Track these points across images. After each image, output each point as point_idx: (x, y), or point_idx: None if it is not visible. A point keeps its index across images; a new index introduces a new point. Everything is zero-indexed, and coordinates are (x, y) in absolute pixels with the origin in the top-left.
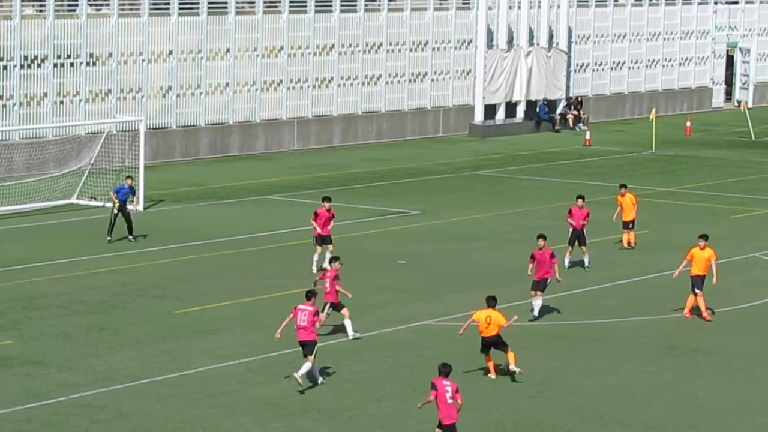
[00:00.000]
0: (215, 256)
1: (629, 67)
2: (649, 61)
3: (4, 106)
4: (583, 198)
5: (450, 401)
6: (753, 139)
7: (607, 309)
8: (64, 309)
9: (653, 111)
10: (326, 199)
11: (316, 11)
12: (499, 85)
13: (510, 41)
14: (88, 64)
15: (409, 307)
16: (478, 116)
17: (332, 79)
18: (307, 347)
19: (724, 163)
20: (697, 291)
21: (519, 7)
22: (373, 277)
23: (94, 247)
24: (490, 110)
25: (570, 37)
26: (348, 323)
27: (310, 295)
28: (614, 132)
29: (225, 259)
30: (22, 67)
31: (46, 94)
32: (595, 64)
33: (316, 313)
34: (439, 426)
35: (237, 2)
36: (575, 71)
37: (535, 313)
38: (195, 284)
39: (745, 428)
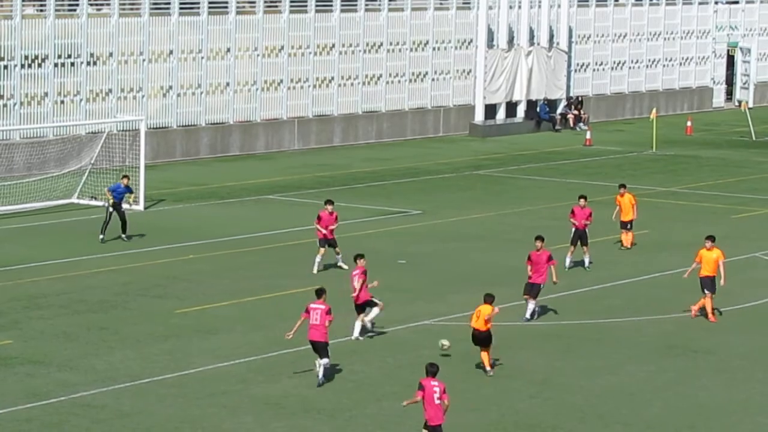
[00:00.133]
0: (216, 256)
1: (630, 67)
2: (649, 60)
3: (4, 105)
4: (585, 198)
5: (437, 402)
6: (753, 138)
7: (608, 309)
8: (65, 308)
9: (654, 111)
10: (328, 202)
11: (317, 11)
12: (500, 85)
13: (510, 41)
14: (88, 63)
15: (409, 306)
16: (479, 116)
17: (333, 78)
18: (321, 348)
19: (724, 163)
20: (706, 292)
21: (519, 7)
22: (374, 277)
23: (95, 247)
24: (490, 110)
25: (570, 36)
26: (361, 322)
27: (320, 292)
28: (615, 132)
29: (225, 258)
30: (22, 66)
31: (46, 94)
32: (596, 63)
33: (329, 312)
34: (425, 427)
35: (237, 2)
36: (576, 71)
37: (527, 316)
38: (195, 284)
39: (745, 428)
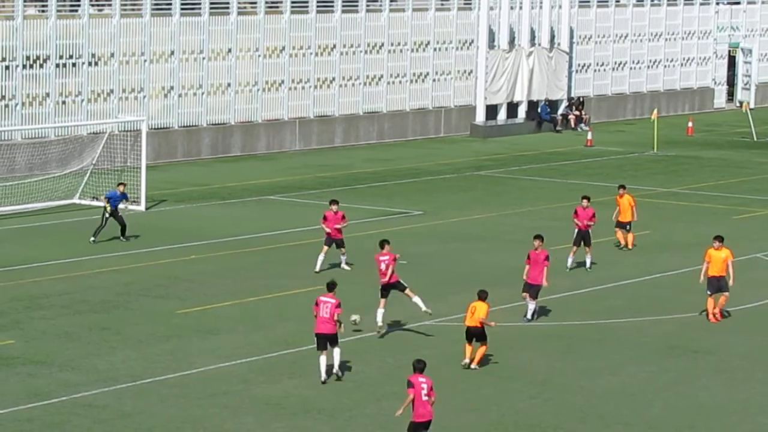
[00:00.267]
0: (217, 256)
1: (631, 68)
2: (650, 61)
3: (6, 106)
4: (588, 198)
5: (425, 398)
6: (755, 139)
7: (609, 309)
8: (67, 309)
9: (655, 111)
10: (333, 202)
11: (318, 11)
12: (501, 86)
13: (511, 42)
14: (90, 64)
15: (410, 307)
16: (480, 116)
17: (334, 79)
18: (331, 340)
19: (725, 164)
20: (709, 292)
21: (520, 8)
22: (375, 278)
23: (96, 247)
24: (491, 111)
25: (571, 37)
26: (418, 300)
27: (332, 286)
28: (616, 132)
29: (227, 259)
30: (24, 67)
31: (48, 94)
32: (597, 64)
33: (339, 305)
34: (411, 427)
35: (239, 3)
36: (577, 71)
37: (528, 316)
38: (197, 284)
39: (746, 428)
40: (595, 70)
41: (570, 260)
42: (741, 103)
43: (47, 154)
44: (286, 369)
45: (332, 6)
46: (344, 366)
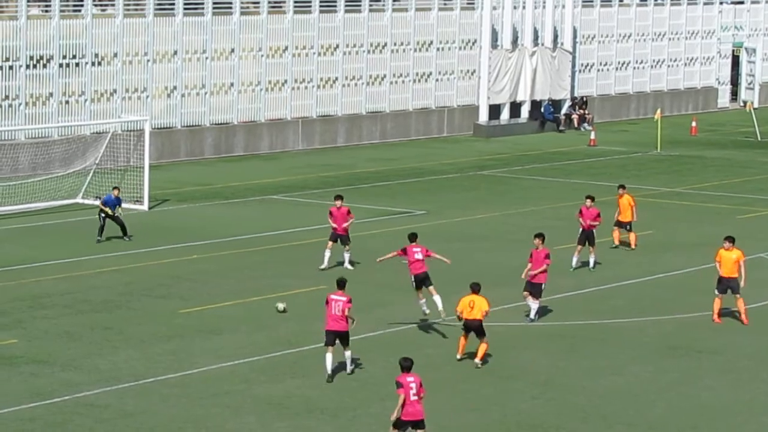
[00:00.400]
0: (220, 256)
1: (634, 67)
2: (654, 61)
3: (10, 106)
4: (591, 198)
5: (414, 398)
6: (759, 139)
7: (612, 309)
8: (69, 308)
9: (658, 111)
10: (337, 197)
11: (321, 11)
12: (504, 85)
13: (514, 41)
14: (93, 64)
15: (413, 306)
16: (483, 116)
17: (337, 79)
18: (342, 339)
19: (729, 164)
20: (717, 292)
21: (523, 7)
22: (378, 277)
23: (99, 247)
24: (494, 110)
25: (575, 37)
26: (438, 298)
27: (342, 283)
28: (619, 132)
29: (230, 258)
30: (27, 67)
31: (51, 94)
32: (600, 64)
33: (350, 302)
34: (397, 424)
35: (242, 2)
36: (580, 71)
37: (531, 316)
38: (200, 284)
39: (750, 428)
40: (598, 70)
41: (575, 260)
42: (745, 102)
43: (50, 154)
44: (288, 369)
45: (335, 6)
46: (355, 363)
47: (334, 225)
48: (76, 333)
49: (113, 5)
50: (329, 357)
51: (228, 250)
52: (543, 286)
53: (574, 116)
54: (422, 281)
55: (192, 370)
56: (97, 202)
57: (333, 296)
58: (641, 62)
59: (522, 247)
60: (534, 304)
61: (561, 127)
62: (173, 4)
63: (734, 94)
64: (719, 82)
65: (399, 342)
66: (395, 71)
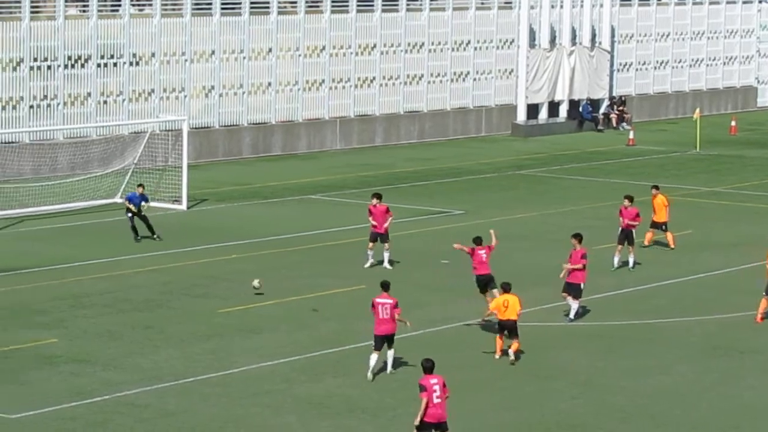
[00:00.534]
0: (259, 256)
1: (673, 66)
2: (693, 60)
3: (48, 105)
4: (630, 198)
5: (437, 400)
6: None
7: (652, 309)
8: (109, 307)
9: (697, 110)
10: (374, 195)
11: (358, 11)
12: (542, 85)
13: (552, 40)
14: (131, 64)
15: (452, 306)
16: (521, 116)
17: (374, 78)
18: (389, 340)
19: None
20: (766, 294)
21: (561, 6)
22: (416, 277)
23: (138, 247)
24: (532, 110)
25: (613, 36)
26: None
27: (386, 286)
28: (658, 131)
29: (268, 258)
30: (66, 67)
31: (89, 94)
32: (639, 63)
33: (396, 305)
34: (421, 426)
35: (279, 2)
36: (618, 70)
37: (571, 316)
38: (238, 283)
39: None
40: (636, 69)
41: (615, 260)
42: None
43: (89, 154)
44: (328, 368)
45: (372, 5)
46: (396, 363)
47: (374, 223)
48: (117, 332)
49: (151, 5)
50: (374, 357)
51: (267, 250)
52: (581, 286)
53: (613, 116)
54: (486, 283)
55: (232, 370)
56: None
57: (379, 300)
58: (680, 61)
59: (561, 247)
60: (574, 304)
61: (599, 127)
62: (210, 3)
63: None
64: (759, 81)
65: (438, 342)
66: (433, 71)
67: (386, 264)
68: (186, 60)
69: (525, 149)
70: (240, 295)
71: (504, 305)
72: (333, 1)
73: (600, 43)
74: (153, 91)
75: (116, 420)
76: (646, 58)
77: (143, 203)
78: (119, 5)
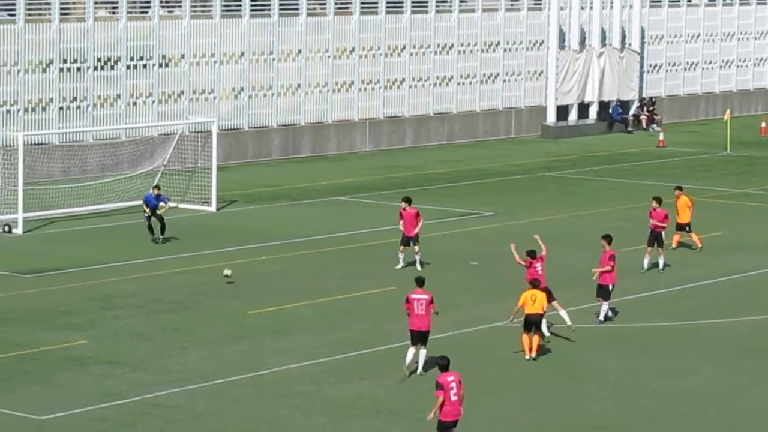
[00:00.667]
0: (288, 257)
1: (703, 68)
2: (723, 61)
3: (78, 107)
4: (658, 200)
5: (454, 398)
6: None
7: (682, 311)
8: (139, 309)
9: (728, 112)
10: (404, 199)
11: (387, 12)
12: (572, 86)
13: (582, 42)
14: (160, 65)
15: (482, 308)
16: (551, 117)
17: (404, 80)
18: (423, 337)
19: None
20: None
21: (591, 8)
22: (446, 278)
23: (167, 248)
24: (562, 111)
25: (643, 37)
26: (564, 313)
27: (421, 281)
28: (688, 133)
29: (298, 259)
30: (95, 68)
31: (119, 96)
32: (669, 64)
33: (432, 301)
34: (441, 426)
35: (308, 4)
36: (648, 72)
37: (600, 317)
38: (268, 285)
39: None
40: (666, 71)
41: (645, 261)
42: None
43: (118, 155)
44: (358, 370)
45: (402, 7)
46: (427, 365)
47: (402, 229)
48: (147, 334)
49: (180, 7)
50: (411, 352)
51: (297, 251)
52: (610, 287)
53: (643, 117)
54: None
55: (262, 371)
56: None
57: (414, 295)
58: (710, 62)
59: (591, 249)
60: (603, 306)
61: (629, 128)
62: (240, 5)
63: None
64: None
65: (469, 343)
66: (462, 72)
67: (417, 266)
68: (215, 61)
69: (555, 151)
70: (271, 297)
71: (532, 299)
72: (362, 3)
73: (630, 44)
74: (182, 92)
75: (146, 421)
76: (676, 60)
77: (162, 204)
78: (149, 7)
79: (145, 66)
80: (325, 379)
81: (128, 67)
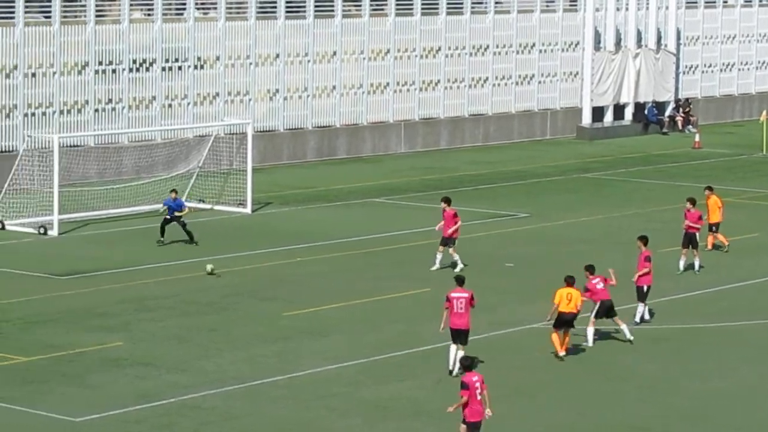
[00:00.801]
0: (324, 259)
1: (739, 69)
2: (759, 62)
3: (113, 109)
4: (692, 201)
5: (479, 397)
6: None
7: (718, 312)
8: (174, 310)
9: (764, 113)
10: (443, 200)
11: (423, 14)
12: (607, 87)
13: (618, 43)
14: (195, 67)
15: (518, 309)
16: (586, 118)
17: (439, 81)
18: (463, 336)
19: None
20: None
21: (626, 9)
22: (482, 280)
23: (203, 249)
24: (597, 112)
25: (678, 38)
26: (625, 328)
27: (460, 280)
28: (724, 134)
29: (333, 261)
30: (130, 70)
31: (154, 98)
32: (704, 65)
33: (472, 298)
34: (470, 427)
35: (343, 5)
36: (684, 73)
37: (636, 319)
38: (304, 286)
39: None
40: (702, 72)
41: (681, 263)
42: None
43: (153, 157)
44: (395, 371)
45: (437, 8)
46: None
47: (440, 229)
48: (182, 335)
49: (215, 8)
50: (453, 348)
51: (332, 253)
52: (645, 288)
53: (678, 118)
54: (607, 310)
55: (298, 372)
56: (200, 205)
57: (454, 294)
58: (746, 64)
59: (627, 250)
60: (639, 307)
61: (665, 130)
62: (275, 7)
63: None
64: None
65: (505, 344)
66: (497, 74)
67: (458, 267)
68: (250, 63)
69: (590, 152)
70: (306, 298)
71: (567, 298)
72: (398, 4)
73: (665, 45)
74: (218, 94)
75: (182, 423)
76: (712, 61)
77: (183, 209)
78: (184, 9)
79: (180, 68)
80: (362, 381)
81: (163, 68)
